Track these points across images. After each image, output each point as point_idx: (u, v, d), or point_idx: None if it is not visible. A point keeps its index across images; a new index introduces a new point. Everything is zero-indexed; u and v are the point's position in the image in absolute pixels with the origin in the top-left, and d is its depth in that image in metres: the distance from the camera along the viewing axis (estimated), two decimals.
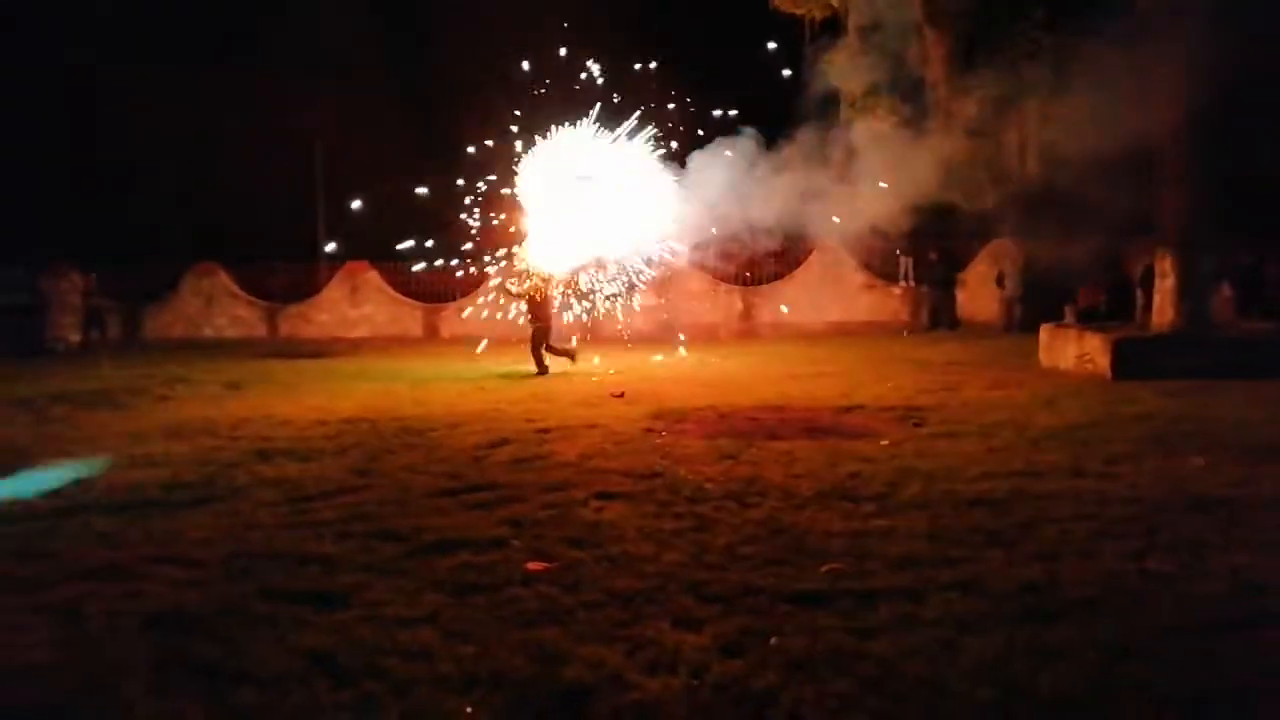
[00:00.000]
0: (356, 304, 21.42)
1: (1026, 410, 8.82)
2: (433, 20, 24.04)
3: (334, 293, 21.52)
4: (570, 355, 13.46)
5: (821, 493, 5.97)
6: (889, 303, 19.89)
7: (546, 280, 13.27)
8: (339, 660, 3.63)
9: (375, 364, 14.60)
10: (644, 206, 13.36)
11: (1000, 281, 18.21)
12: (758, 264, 19.86)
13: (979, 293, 19.04)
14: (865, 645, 3.64)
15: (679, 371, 13.12)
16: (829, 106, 15.52)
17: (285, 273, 22.31)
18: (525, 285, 13.30)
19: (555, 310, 13.52)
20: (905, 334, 18.24)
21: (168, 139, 22.55)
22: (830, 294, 19.83)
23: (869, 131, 14.81)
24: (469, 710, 3.23)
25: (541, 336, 13.28)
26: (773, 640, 3.71)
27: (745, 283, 20.34)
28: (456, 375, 13.24)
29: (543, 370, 13.14)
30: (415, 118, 23.42)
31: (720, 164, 13.50)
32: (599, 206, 13.19)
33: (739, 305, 19.99)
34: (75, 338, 20.37)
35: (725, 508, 5.67)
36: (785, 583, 4.34)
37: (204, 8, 23.43)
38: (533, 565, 4.74)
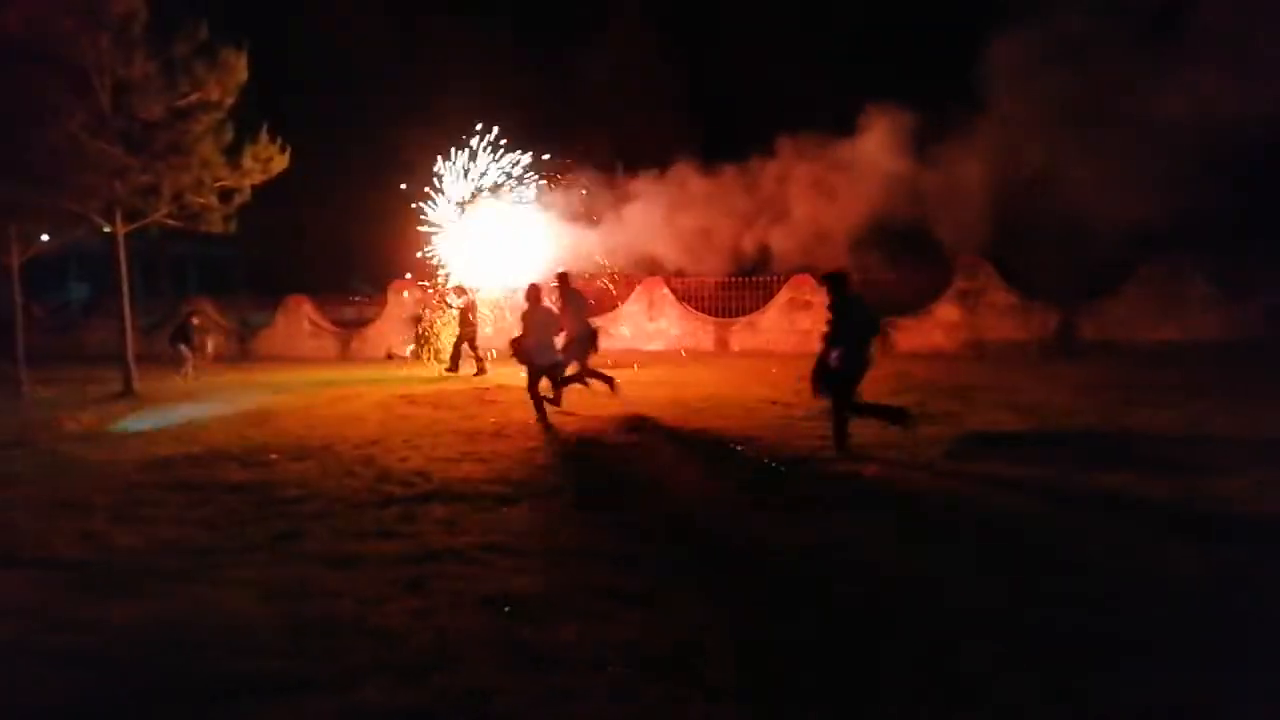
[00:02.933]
0: (653, 318, 22.38)
1: None
2: None
3: (632, 307, 22.65)
4: (482, 366, 15.96)
5: (1174, 530, 5.27)
6: (1244, 318, 17.12)
7: (473, 294, 16.27)
8: (645, 653, 3.79)
9: (668, 376, 15.16)
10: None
11: None
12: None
13: None
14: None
15: (971, 394, 12.24)
16: None
17: (586, 289, 23.89)
18: (461, 300, 16.17)
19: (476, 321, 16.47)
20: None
21: None
22: (1166, 308, 17.51)
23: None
24: None
25: (464, 341, 16.10)
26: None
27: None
28: (741, 388, 13.38)
29: (453, 369, 16.08)
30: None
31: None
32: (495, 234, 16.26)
33: (1054, 322, 18.27)
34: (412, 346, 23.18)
35: (1057, 545, 5.19)
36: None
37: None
38: (834, 587, 4.65)
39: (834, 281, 8.42)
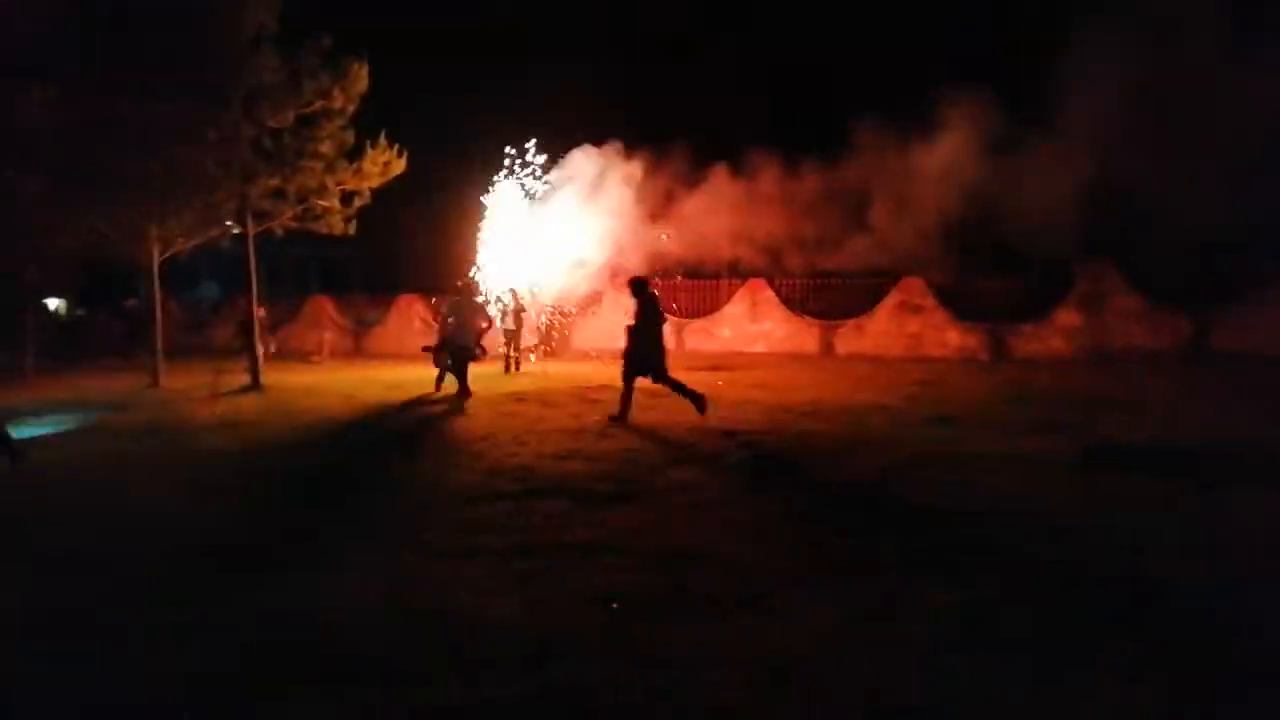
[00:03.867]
0: (756, 320, 22.18)
1: None
2: None
3: (735, 308, 22.50)
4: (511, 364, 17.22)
5: None
6: None
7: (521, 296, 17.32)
8: (752, 659, 3.75)
9: (771, 379, 14.99)
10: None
11: None
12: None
13: None
14: None
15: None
16: None
17: (690, 289, 23.89)
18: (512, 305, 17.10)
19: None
20: None
21: None
22: None
23: None
24: None
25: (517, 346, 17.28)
26: None
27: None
28: (848, 393, 13.09)
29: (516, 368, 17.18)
30: None
31: None
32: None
33: (1186, 329, 17.20)
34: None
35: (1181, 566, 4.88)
36: None
37: None
38: (940, 596, 4.50)
39: (640, 285, 10.67)
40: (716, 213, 19.48)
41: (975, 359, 18.46)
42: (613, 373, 15.13)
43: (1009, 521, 5.78)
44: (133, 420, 11.36)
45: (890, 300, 20.11)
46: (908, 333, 19.84)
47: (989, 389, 13.12)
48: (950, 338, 19.41)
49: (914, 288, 19.80)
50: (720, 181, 18.20)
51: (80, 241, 15.43)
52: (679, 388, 10.23)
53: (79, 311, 29.33)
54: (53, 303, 29.27)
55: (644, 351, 10.18)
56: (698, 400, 10.09)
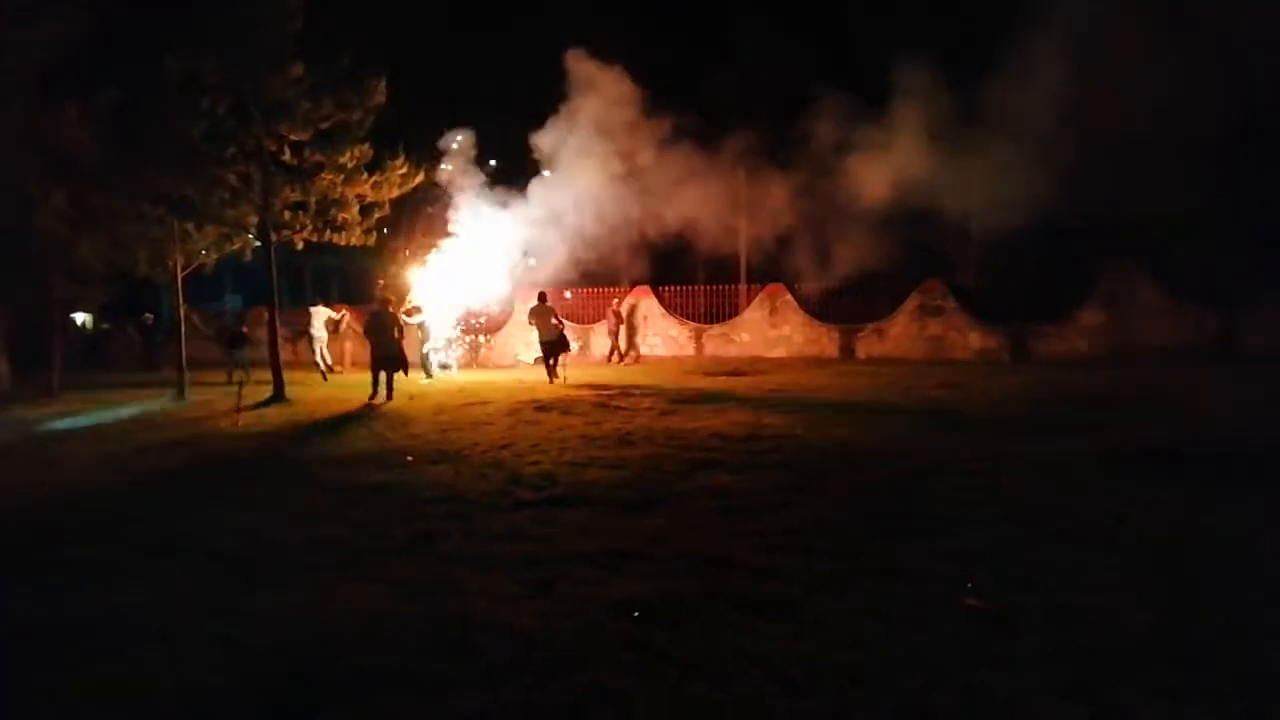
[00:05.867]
0: (776, 325, 22.10)
1: None
2: None
3: (755, 314, 22.44)
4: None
5: None
6: None
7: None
8: (781, 667, 3.71)
9: (793, 382, 14.93)
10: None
11: None
12: None
13: None
14: None
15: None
16: None
17: (709, 295, 23.84)
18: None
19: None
20: None
21: None
22: None
23: None
24: None
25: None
26: None
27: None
28: (870, 396, 13.01)
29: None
30: None
31: None
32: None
33: (1213, 327, 16.91)
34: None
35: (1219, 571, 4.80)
36: None
37: None
38: (970, 602, 4.44)
39: (385, 301, 15.06)
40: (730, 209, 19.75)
41: (998, 361, 18.29)
42: (632, 378, 15.14)
43: (1037, 525, 5.71)
44: (157, 434, 11.47)
45: (911, 303, 19.98)
46: (929, 335, 19.70)
47: (1012, 391, 12.99)
48: (972, 340, 19.25)
49: (935, 289, 19.66)
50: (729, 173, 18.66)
51: (106, 256, 15.62)
52: (379, 383, 14.19)
53: (104, 325, 29.68)
54: (79, 317, 29.63)
55: (383, 350, 14.18)
56: (375, 393, 14.02)
